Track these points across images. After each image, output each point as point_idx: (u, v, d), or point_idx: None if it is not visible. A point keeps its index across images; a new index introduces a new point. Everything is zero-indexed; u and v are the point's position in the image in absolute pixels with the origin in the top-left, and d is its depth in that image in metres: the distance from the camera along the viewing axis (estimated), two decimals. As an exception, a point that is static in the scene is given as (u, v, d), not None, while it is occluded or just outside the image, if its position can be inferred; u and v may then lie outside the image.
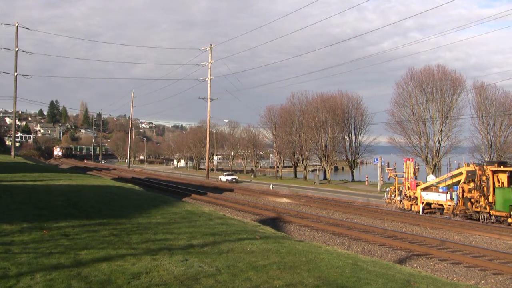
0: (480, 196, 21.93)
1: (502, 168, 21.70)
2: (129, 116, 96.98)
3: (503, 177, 21.54)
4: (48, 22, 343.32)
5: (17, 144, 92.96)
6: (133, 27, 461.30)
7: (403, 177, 27.88)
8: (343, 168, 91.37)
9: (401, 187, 27.78)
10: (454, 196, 23.23)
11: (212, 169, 72.27)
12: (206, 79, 52.43)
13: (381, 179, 39.20)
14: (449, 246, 15.57)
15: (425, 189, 25.61)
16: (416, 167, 28.71)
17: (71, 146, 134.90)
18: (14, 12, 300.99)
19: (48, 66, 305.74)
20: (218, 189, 37.69)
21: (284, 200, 30.70)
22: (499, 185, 21.55)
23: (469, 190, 22.56)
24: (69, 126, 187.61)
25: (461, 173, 23.70)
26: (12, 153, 50.95)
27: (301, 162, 60.14)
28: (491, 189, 21.61)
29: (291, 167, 70.57)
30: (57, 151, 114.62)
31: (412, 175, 27.01)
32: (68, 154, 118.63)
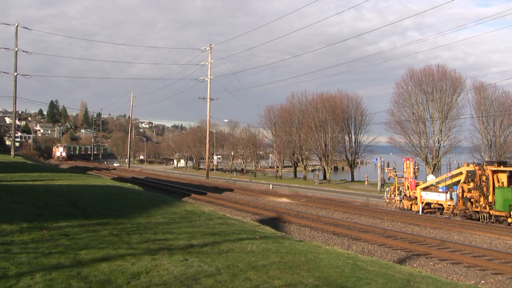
0: (480, 196, 21.93)
1: (502, 168, 21.70)
2: (129, 116, 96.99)
3: (503, 177, 21.54)
4: (44, 21, 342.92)
5: (17, 144, 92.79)
6: (129, 26, 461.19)
7: (402, 177, 27.89)
8: (343, 168, 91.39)
9: (401, 187, 27.79)
10: (454, 196, 23.23)
11: (212, 169, 72.29)
12: (206, 79, 52.42)
13: (381, 178, 39.19)
14: (449, 246, 15.57)
15: (425, 189, 25.61)
16: (416, 167, 28.70)
17: (73, 146, 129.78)
18: (9, 11, 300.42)
19: (46, 66, 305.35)
20: (218, 189, 37.69)
21: (284, 200, 30.70)
22: (499, 185, 21.56)
23: (469, 190, 22.55)
24: (69, 126, 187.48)
25: (461, 173, 23.70)
26: (12, 152, 50.95)
27: (301, 162, 60.11)
28: (491, 189, 21.61)
29: (291, 167, 70.55)
30: (60, 152, 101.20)
31: (412, 175, 27.02)
32: (71, 154, 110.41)
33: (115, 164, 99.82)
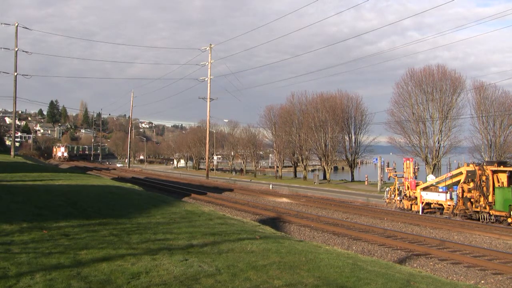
0: (480, 196, 21.93)
1: (502, 168, 21.70)
2: (129, 116, 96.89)
3: (503, 177, 21.54)
4: (43, 21, 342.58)
5: (17, 144, 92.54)
6: (129, 26, 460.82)
7: (403, 177, 27.88)
8: (343, 168, 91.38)
9: (401, 187, 27.78)
10: (454, 196, 23.23)
11: (212, 169, 72.29)
12: (206, 79, 52.42)
13: (381, 178, 39.18)
14: (449, 246, 15.57)
15: (425, 189, 25.61)
16: (416, 167, 28.71)
17: (73, 146, 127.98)
18: (8, 11, 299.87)
19: (45, 66, 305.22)
20: (218, 189, 37.69)
21: (284, 200, 30.70)
22: (499, 185, 21.56)
23: (469, 190, 22.55)
24: (69, 126, 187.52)
25: (461, 173, 23.70)
26: (12, 152, 50.97)
27: (301, 162, 60.11)
28: (490, 189, 21.61)
29: (291, 167, 70.53)
30: (61, 152, 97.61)
31: (412, 175, 27.01)
32: (73, 154, 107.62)
33: (118, 165, 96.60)
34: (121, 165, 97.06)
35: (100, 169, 67.00)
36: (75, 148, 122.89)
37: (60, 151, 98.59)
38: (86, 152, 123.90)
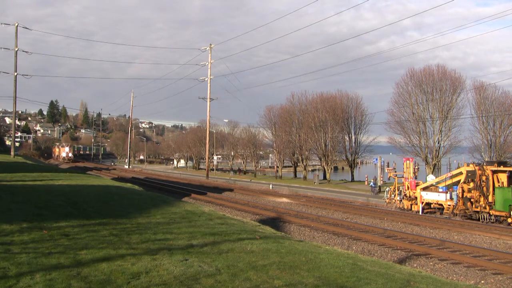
0: (480, 196, 21.93)
1: (502, 168, 21.70)
2: (129, 116, 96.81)
3: (503, 177, 21.54)
4: (42, 21, 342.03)
5: (17, 144, 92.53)
6: (128, 26, 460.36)
7: (403, 177, 27.88)
8: (343, 168, 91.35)
9: (400, 187, 27.79)
10: (454, 196, 23.23)
11: (212, 169, 72.29)
12: (206, 79, 52.42)
13: (381, 179, 39.16)
14: (449, 246, 15.57)
15: (424, 189, 25.61)
16: (416, 167, 28.74)
17: (75, 146, 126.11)
18: (8, 11, 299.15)
19: (45, 66, 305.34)
20: (218, 189, 37.69)
21: (284, 200, 30.70)
22: (499, 185, 21.56)
23: (469, 190, 22.55)
24: (69, 126, 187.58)
25: (461, 173, 23.70)
26: (12, 152, 51.01)
27: (301, 162, 60.10)
28: (490, 189, 21.61)
29: (291, 167, 70.53)
30: (66, 152, 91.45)
31: (412, 175, 27.02)
32: (77, 155, 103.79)
33: (125, 167, 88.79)
34: (127, 166, 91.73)
35: (100, 169, 67.02)
36: (75, 148, 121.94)
37: (64, 151, 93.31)
38: (82, 152, 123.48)
